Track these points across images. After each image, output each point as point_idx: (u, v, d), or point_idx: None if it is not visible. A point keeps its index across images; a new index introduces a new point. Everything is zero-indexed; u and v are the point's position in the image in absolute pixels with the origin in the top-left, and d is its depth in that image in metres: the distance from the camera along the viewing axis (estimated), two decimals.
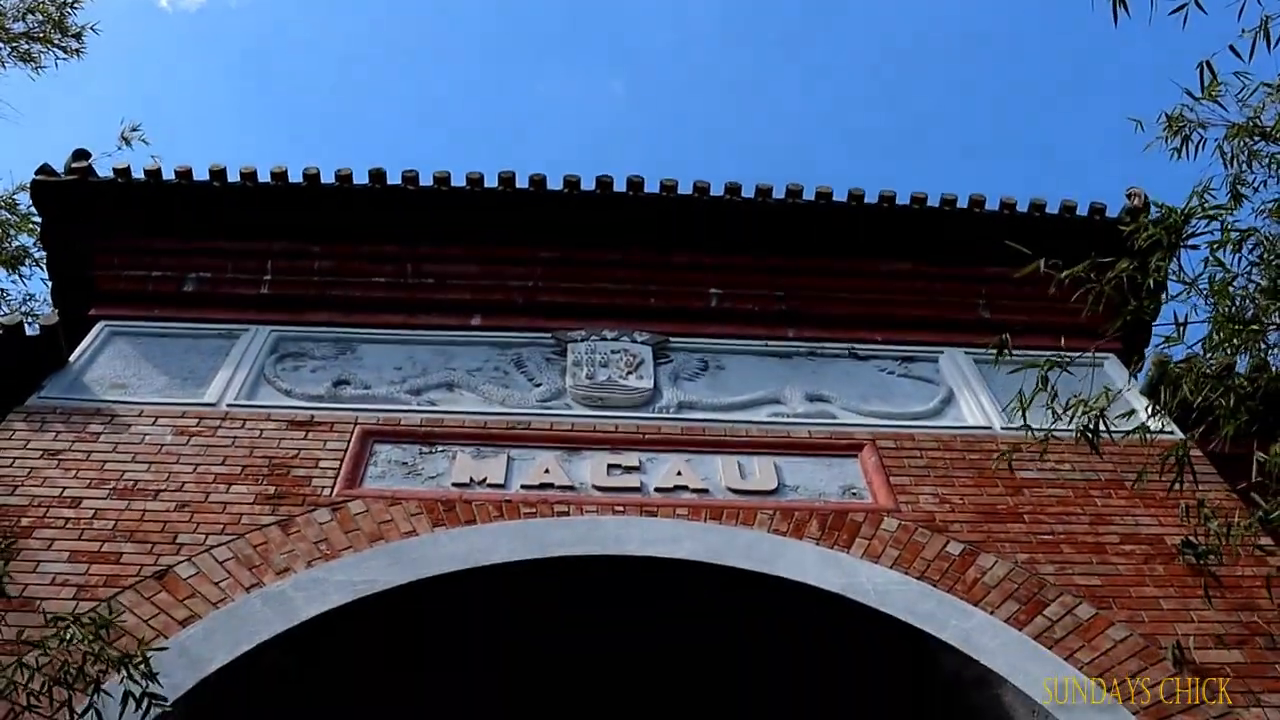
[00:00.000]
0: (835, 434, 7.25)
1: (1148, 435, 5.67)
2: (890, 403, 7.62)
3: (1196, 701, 5.32)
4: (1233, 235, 5.36)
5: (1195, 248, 5.45)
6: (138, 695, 4.65)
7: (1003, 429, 7.17)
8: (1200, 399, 5.50)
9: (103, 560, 6.00)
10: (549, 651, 6.67)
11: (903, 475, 6.87)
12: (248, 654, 5.55)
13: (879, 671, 6.13)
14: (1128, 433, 5.60)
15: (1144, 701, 5.35)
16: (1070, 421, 5.52)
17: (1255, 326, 5.38)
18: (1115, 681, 5.44)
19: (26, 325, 7.46)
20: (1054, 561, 6.21)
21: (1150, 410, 6.72)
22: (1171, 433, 6.96)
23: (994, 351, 6.94)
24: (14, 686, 4.62)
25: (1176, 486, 5.35)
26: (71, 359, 7.58)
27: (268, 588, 5.88)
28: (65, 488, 6.49)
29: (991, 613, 5.86)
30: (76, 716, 4.57)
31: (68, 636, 4.78)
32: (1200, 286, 5.36)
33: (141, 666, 4.72)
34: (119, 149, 9.38)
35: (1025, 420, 5.53)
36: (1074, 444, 5.80)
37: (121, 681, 4.68)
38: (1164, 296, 5.89)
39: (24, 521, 6.22)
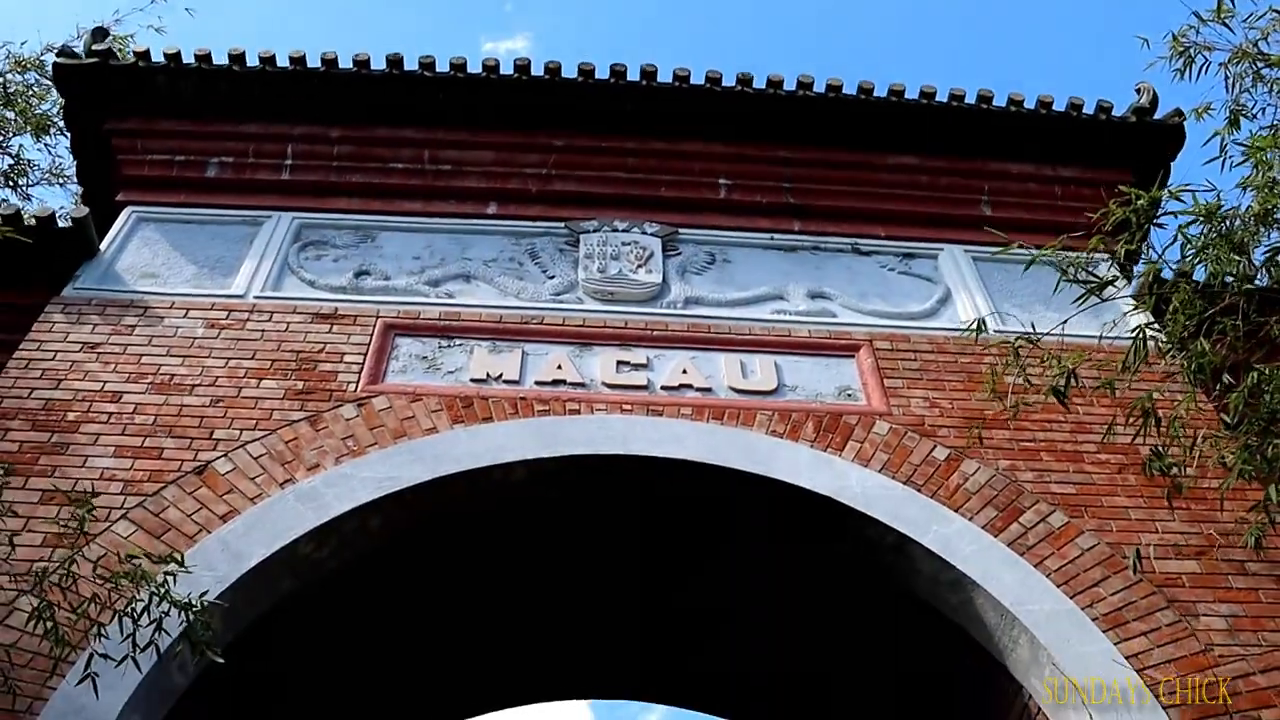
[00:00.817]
0: (834, 334, 7.59)
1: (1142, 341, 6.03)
2: (889, 301, 7.93)
3: (1151, 610, 5.81)
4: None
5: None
6: (194, 642, 5.03)
7: (995, 332, 7.47)
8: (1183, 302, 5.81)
9: (145, 455, 6.46)
10: (557, 546, 7.19)
11: (896, 378, 7.23)
12: (284, 548, 6.06)
13: (865, 570, 6.62)
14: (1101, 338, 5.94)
15: (1103, 609, 5.84)
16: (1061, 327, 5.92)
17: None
18: (1077, 589, 5.93)
19: (58, 217, 7.74)
20: (1033, 469, 6.63)
21: (1138, 309, 7.08)
22: (1156, 338, 7.30)
23: (994, 249, 7.28)
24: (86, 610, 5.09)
25: (1130, 372, 5.73)
26: (102, 247, 7.89)
27: (300, 484, 6.34)
28: (105, 382, 6.90)
29: (971, 519, 6.31)
30: (138, 649, 4.96)
31: (138, 577, 5.15)
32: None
33: (204, 617, 5.10)
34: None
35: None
36: (1063, 351, 6.19)
37: (181, 622, 5.05)
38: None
39: (69, 416, 6.67)
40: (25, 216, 7.68)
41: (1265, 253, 5.88)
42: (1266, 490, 5.65)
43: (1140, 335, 5.75)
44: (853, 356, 7.44)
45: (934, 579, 6.23)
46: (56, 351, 7.08)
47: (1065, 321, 6.15)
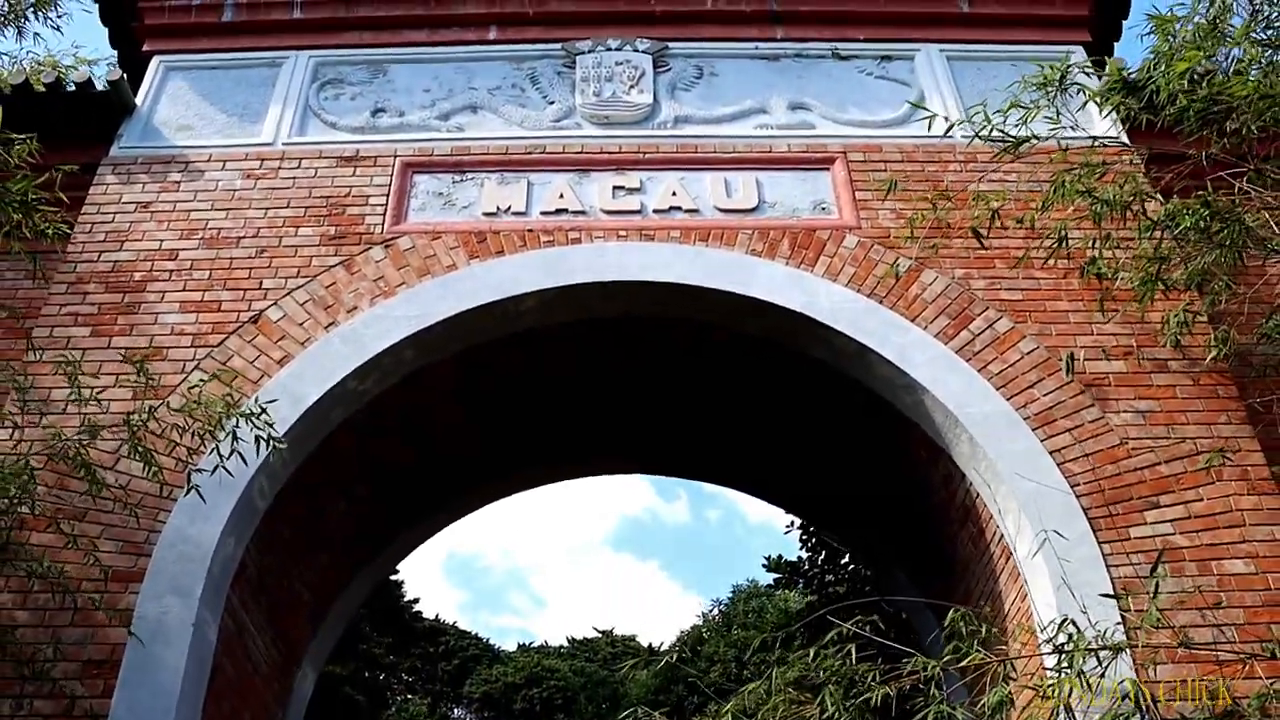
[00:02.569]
0: (811, 146, 8.23)
1: (1094, 141, 6.67)
2: (865, 109, 8.47)
3: (1078, 409, 6.75)
4: None
5: None
6: (264, 439, 6.17)
7: (962, 138, 8.00)
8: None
9: (207, 309, 7.45)
10: (566, 358, 8.17)
11: (866, 190, 7.92)
12: (334, 386, 7.13)
13: (833, 374, 7.56)
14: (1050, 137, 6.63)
15: (1035, 409, 6.78)
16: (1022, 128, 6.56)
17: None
18: (1014, 391, 6.85)
19: (95, 80, 8.43)
20: (986, 276, 7.40)
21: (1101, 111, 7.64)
22: (1118, 138, 7.89)
23: (970, 46, 7.83)
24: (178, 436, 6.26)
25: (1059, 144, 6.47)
26: (139, 102, 8.60)
27: (342, 327, 7.34)
28: (162, 240, 7.81)
29: (925, 328, 7.19)
30: (224, 458, 6.10)
31: (206, 402, 6.26)
32: None
33: (264, 417, 6.23)
34: None
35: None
36: (1027, 156, 6.84)
37: (250, 429, 6.18)
38: None
39: (136, 276, 7.63)
40: (65, 81, 8.39)
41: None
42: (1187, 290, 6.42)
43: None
44: (828, 169, 8.10)
45: (891, 382, 7.18)
46: (115, 214, 7.96)
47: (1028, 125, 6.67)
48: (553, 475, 9.96)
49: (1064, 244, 6.79)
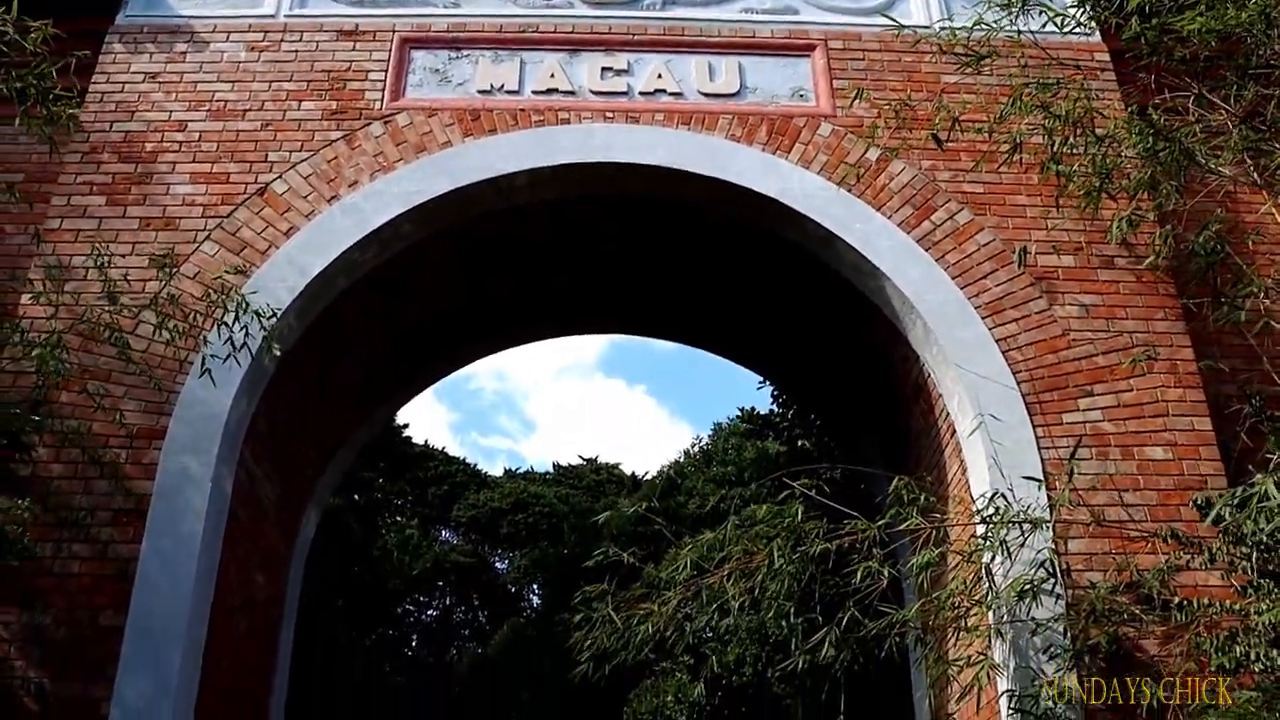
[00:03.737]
0: (793, 32, 8.54)
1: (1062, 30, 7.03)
2: None
3: (1026, 300, 7.30)
4: None
5: None
6: (268, 346, 6.78)
7: (940, 28, 8.28)
8: None
9: (216, 181, 7.87)
10: (553, 233, 8.65)
11: (844, 79, 8.27)
12: (337, 258, 7.63)
13: (803, 257, 8.06)
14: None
15: (986, 299, 7.33)
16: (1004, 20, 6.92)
17: None
18: (968, 281, 7.39)
19: None
20: (951, 169, 7.82)
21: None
22: (1089, 33, 8.23)
23: None
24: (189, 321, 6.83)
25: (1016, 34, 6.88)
26: None
27: (344, 200, 7.79)
28: (171, 111, 8.17)
29: (889, 217, 7.67)
30: (235, 348, 6.70)
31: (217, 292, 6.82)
32: None
33: (271, 320, 6.81)
34: None
35: None
36: (1001, 47, 7.18)
37: (255, 317, 6.75)
38: None
39: (147, 147, 8.03)
40: None
41: None
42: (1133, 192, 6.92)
43: None
44: (808, 56, 8.43)
45: (856, 267, 7.70)
46: (124, 83, 8.29)
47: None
48: (541, 334, 10.53)
49: (1017, 151, 7.19)
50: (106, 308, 6.80)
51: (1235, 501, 5.57)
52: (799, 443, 16.38)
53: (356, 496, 24.06)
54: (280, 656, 8.59)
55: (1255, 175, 7.05)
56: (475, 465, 33.62)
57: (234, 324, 6.63)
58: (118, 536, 6.62)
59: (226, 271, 7.05)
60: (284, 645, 8.67)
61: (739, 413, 19.05)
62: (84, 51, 7.26)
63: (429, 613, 29.18)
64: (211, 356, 6.83)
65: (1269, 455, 5.86)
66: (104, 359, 7.00)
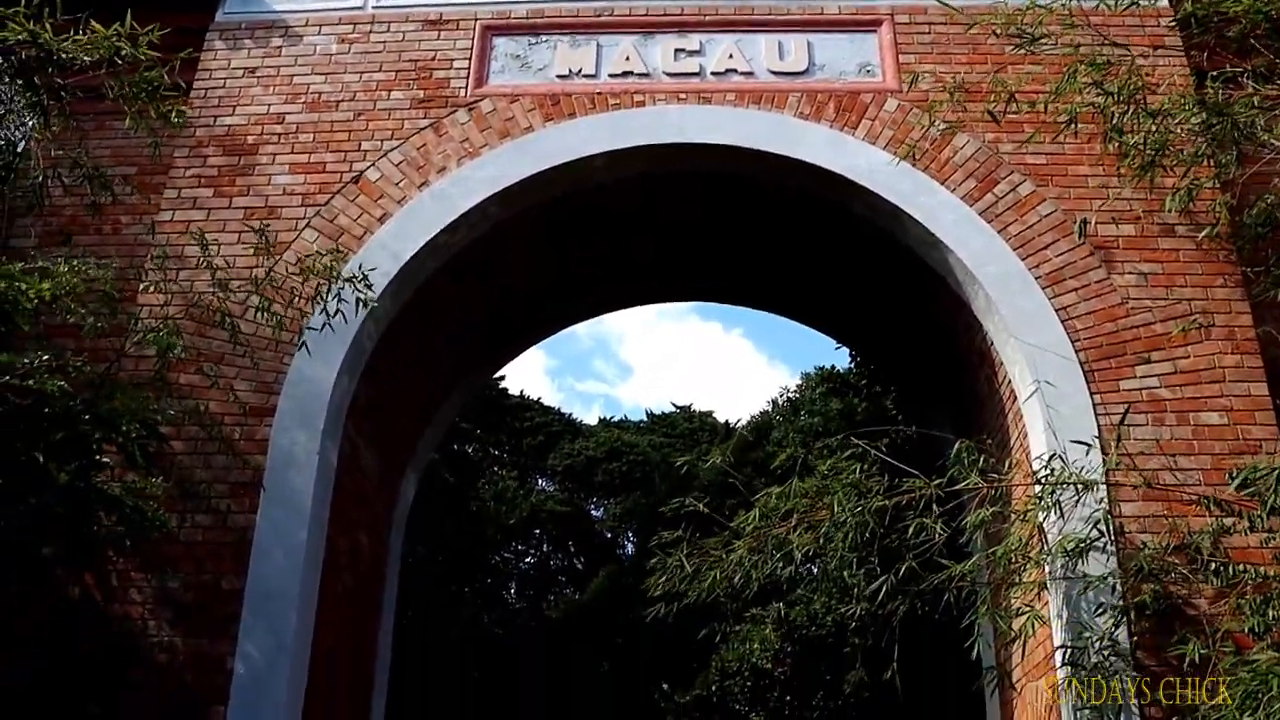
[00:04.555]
0: (860, 8, 8.75)
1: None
2: None
3: (1086, 269, 7.53)
4: None
5: None
6: (363, 301, 7.30)
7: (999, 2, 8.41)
8: None
9: (313, 170, 8.40)
10: (633, 210, 9.06)
11: (910, 53, 8.49)
12: (428, 242, 8.13)
13: (871, 229, 8.36)
14: None
15: (1046, 269, 7.57)
16: None
17: None
18: (1029, 252, 7.63)
19: None
20: (1014, 140, 8.00)
21: None
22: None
23: None
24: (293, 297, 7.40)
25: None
26: None
27: (432, 186, 8.28)
28: (269, 105, 8.70)
29: (953, 190, 7.92)
30: (329, 317, 7.25)
31: (316, 269, 7.35)
32: None
33: (364, 282, 7.33)
34: None
35: None
36: (1065, 17, 7.34)
37: (352, 290, 7.29)
38: None
39: (249, 140, 8.58)
40: None
41: None
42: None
43: None
44: (875, 31, 8.66)
45: (921, 239, 7.99)
46: (225, 79, 8.84)
47: None
48: (627, 301, 10.98)
49: (1073, 124, 7.38)
50: (217, 293, 7.37)
51: (1267, 473, 5.79)
52: (880, 401, 16.72)
53: (455, 447, 24.87)
54: (384, 614, 9.24)
55: None
56: (570, 415, 34.33)
57: (329, 295, 7.15)
58: (235, 507, 7.25)
59: (319, 253, 7.53)
60: (387, 604, 9.31)
61: (816, 371, 19.36)
62: (188, 50, 7.83)
63: (526, 560, 30.08)
64: (308, 329, 7.45)
65: None
66: (216, 342, 7.61)
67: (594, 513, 31.95)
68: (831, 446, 17.86)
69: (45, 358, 6.00)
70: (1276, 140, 6.79)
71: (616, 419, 35.46)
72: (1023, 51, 7.95)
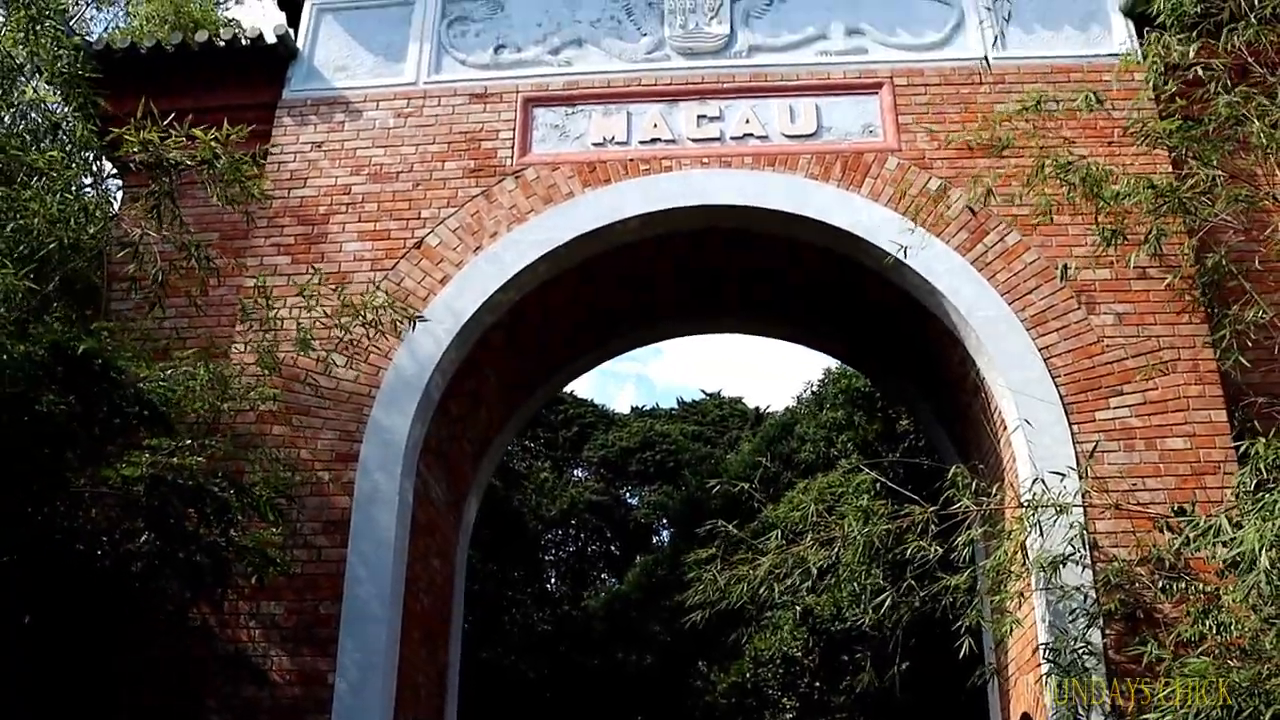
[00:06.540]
0: (864, 72, 9.74)
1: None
2: (911, 31, 9.80)
3: (1066, 311, 8.51)
4: None
5: None
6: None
7: (995, 59, 9.33)
8: None
9: (379, 238, 9.48)
10: (660, 264, 10.11)
11: (908, 113, 9.47)
12: (484, 301, 9.20)
13: (874, 275, 9.37)
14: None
15: (1031, 312, 8.57)
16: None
17: None
18: (1015, 297, 8.63)
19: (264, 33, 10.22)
20: (1003, 194, 8.91)
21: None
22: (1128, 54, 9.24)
23: None
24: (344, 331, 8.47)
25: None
26: (299, 45, 10.34)
27: (485, 250, 9.34)
28: (336, 177, 9.77)
29: (947, 242, 8.91)
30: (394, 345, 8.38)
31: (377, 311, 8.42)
32: None
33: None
34: None
35: None
36: (1048, 74, 8.37)
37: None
38: None
39: (320, 210, 9.65)
40: (242, 37, 10.21)
41: None
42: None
43: None
44: (876, 94, 9.64)
45: (919, 285, 8.98)
46: (295, 153, 9.90)
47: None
48: (652, 339, 12.21)
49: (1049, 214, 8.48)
50: (301, 353, 8.45)
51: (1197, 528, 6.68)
52: (892, 423, 18.07)
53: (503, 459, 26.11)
54: (454, 624, 10.39)
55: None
56: (603, 406, 35.45)
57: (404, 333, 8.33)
58: (327, 543, 8.39)
59: (379, 305, 8.46)
60: (456, 615, 10.47)
61: (838, 368, 20.49)
62: (256, 124, 9.02)
63: (567, 549, 31.30)
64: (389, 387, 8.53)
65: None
66: (303, 396, 8.71)
67: (630, 500, 33.11)
68: (855, 442, 19.07)
69: (188, 442, 7.14)
70: (1217, 213, 7.77)
71: (648, 407, 36.53)
72: (1007, 107, 8.95)
